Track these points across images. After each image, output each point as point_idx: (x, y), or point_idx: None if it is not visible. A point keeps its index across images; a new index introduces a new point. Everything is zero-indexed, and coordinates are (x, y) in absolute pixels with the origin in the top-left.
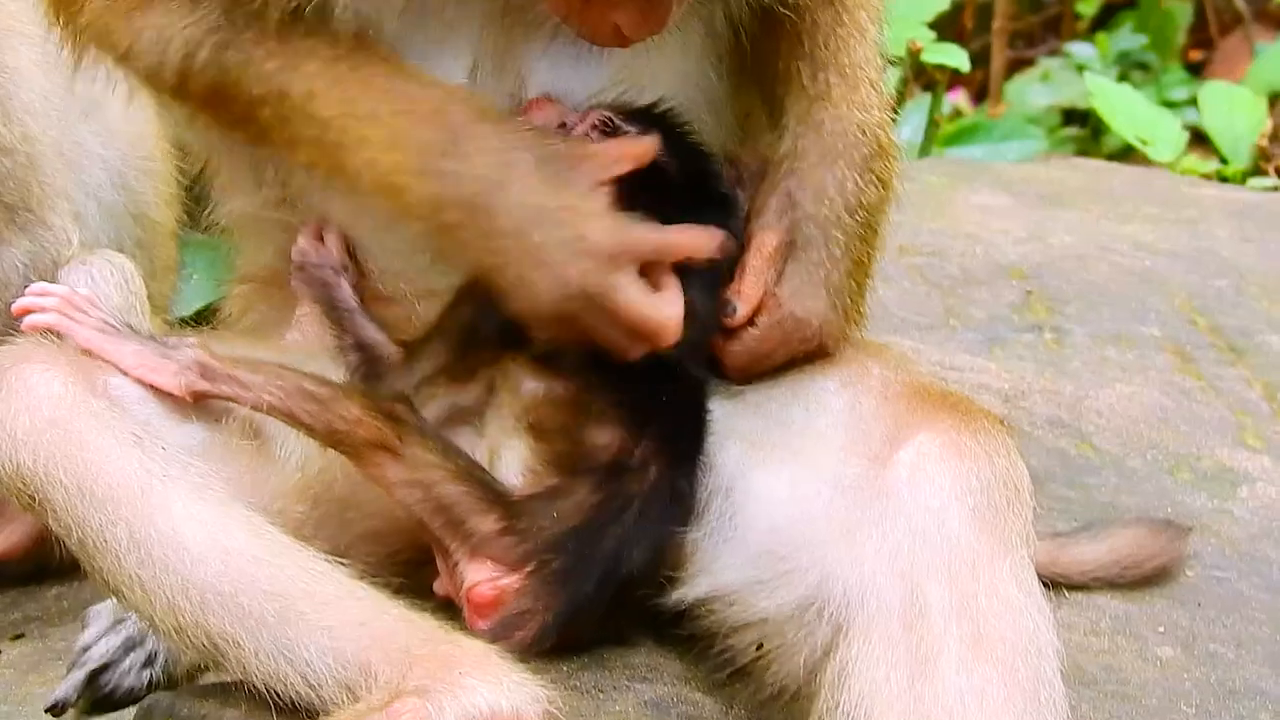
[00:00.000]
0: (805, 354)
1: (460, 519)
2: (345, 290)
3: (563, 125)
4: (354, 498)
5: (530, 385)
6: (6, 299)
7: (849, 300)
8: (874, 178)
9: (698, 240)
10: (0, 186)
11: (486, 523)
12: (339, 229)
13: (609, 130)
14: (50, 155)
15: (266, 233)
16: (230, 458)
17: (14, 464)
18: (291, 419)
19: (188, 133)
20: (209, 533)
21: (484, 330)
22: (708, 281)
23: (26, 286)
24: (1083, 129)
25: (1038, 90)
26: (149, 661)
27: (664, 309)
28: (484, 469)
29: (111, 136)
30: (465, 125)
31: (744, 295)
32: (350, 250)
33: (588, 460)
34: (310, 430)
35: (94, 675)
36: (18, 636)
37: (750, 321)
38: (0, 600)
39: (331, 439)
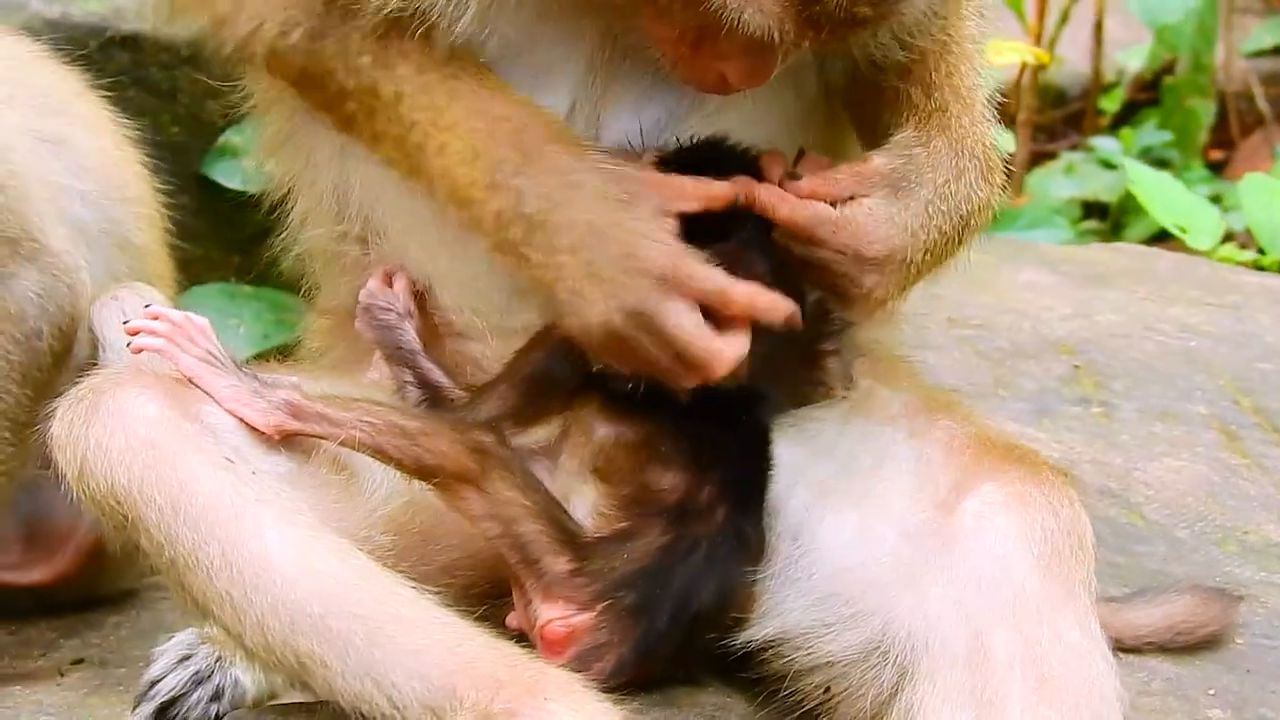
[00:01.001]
0: (843, 284)
1: (535, 557)
2: (409, 334)
3: None
4: (435, 531)
5: (602, 430)
6: (23, 330)
7: (910, 274)
8: (986, 183)
9: (766, 303)
10: None
11: (559, 563)
12: (418, 272)
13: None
14: (38, 188)
15: (344, 269)
16: (318, 487)
17: (109, 483)
18: (380, 454)
19: (270, 160)
20: (299, 555)
21: (556, 376)
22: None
23: (42, 317)
24: (1102, 222)
25: (1060, 183)
26: (217, 695)
27: (715, 343)
28: (562, 507)
29: (82, 170)
30: (538, 145)
31: (823, 175)
32: (419, 296)
33: (655, 503)
34: (399, 464)
35: (163, 709)
36: (77, 661)
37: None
38: (59, 626)
39: (419, 471)
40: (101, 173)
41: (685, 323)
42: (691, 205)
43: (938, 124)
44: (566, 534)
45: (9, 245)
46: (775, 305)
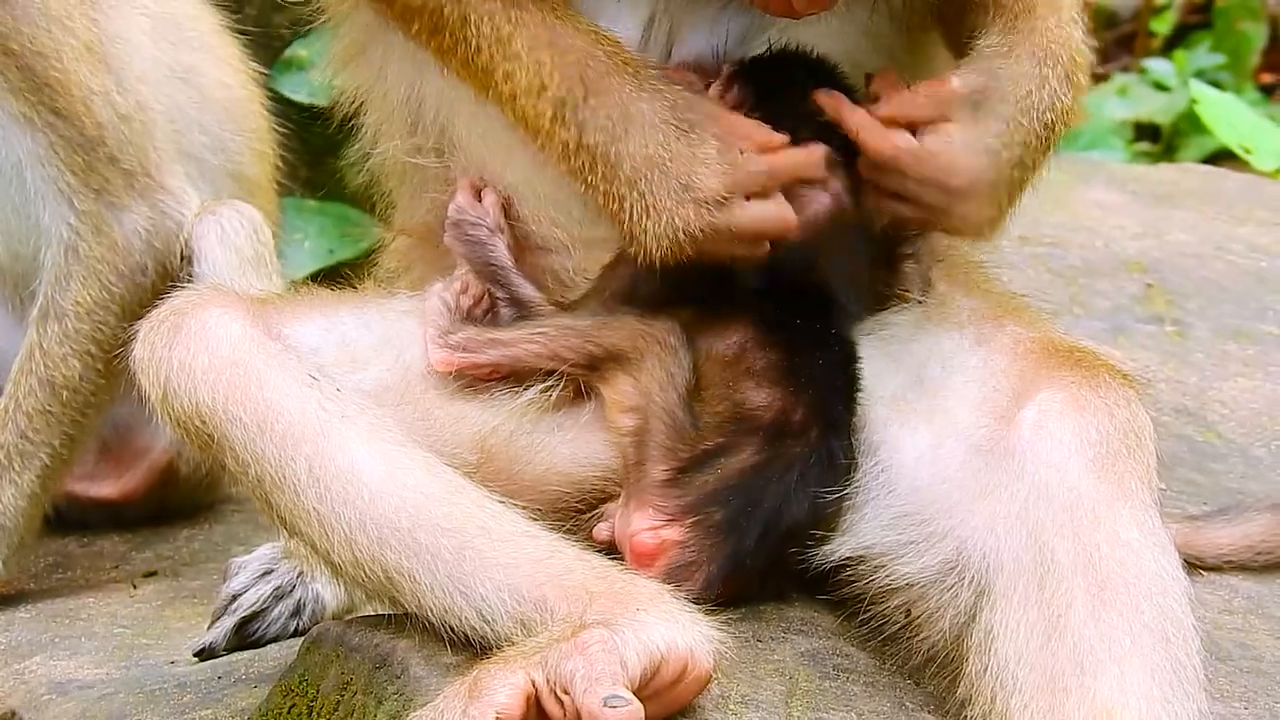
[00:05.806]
0: (936, 213)
1: (644, 459)
2: (500, 250)
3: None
4: (525, 454)
5: (694, 345)
6: (129, 264)
7: (1005, 195)
8: (1070, 87)
9: (802, 159)
10: (119, 153)
11: (657, 470)
12: (496, 184)
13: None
14: (163, 123)
15: (421, 183)
16: (405, 404)
17: (193, 402)
18: (556, 359)
19: (342, 73)
20: (387, 470)
21: (643, 292)
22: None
23: (148, 252)
24: (1155, 144)
25: (1114, 104)
26: (297, 611)
27: (777, 210)
28: (689, 413)
29: (206, 102)
30: (599, 79)
31: (901, 98)
32: (507, 209)
33: (750, 421)
34: (572, 365)
35: (243, 623)
36: (150, 574)
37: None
38: (131, 540)
39: (588, 365)
40: (224, 107)
41: (746, 214)
42: (749, 148)
43: (1024, 28)
44: (676, 441)
45: (125, 178)
46: (810, 156)
